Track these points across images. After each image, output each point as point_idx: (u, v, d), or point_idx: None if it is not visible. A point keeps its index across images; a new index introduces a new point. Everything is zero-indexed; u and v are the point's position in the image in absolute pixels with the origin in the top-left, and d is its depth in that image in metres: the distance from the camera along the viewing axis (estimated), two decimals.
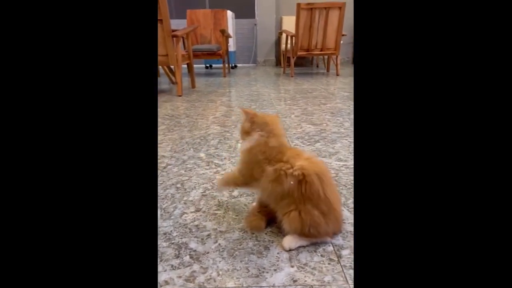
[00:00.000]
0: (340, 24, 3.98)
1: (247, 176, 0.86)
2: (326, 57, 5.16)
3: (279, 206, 0.80)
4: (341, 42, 4.28)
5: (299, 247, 0.80)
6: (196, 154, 1.48)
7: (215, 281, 0.70)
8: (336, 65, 4.39)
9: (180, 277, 0.71)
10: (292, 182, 0.76)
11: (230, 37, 5.02)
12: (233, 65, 5.74)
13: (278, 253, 0.78)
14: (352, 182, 1.16)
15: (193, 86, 3.51)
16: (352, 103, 2.52)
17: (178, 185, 1.16)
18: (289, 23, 5.72)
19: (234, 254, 0.78)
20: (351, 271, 0.72)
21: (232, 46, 5.43)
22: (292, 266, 0.74)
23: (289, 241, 0.79)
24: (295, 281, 0.69)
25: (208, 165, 1.34)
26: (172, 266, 0.75)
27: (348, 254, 0.78)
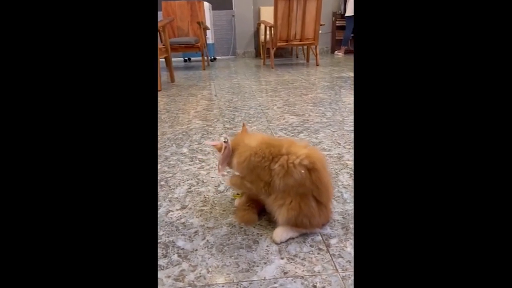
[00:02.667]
0: (318, 13, 3.98)
1: (258, 183, 0.81)
2: (305, 47, 5.17)
3: (280, 197, 0.79)
4: (320, 32, 4.29)
5: (289, 239, 0.80)
6: (179, 150, 1.45)
7: (205, 278, 0.69)
8: (316, 55, 4.41)
9: (169, 277, 0.70)
10: (303, 171, 0.76)
11: (208, 29, 4.92)
12: (212, 57, 5.64)
13: (267, 246, 0.78)
14: (336, 171, 1.17)
15: (172, 80, 3.43)
16: (333, 92, 2.54)
17: (162, 183, 1.14)
18: (267, 14, 5.67)
19: (223, 250, 0.77)
20: (340, 260, 0.73)
21: (210, 39, 5.33)
22: (282, 258, 0.74)
23: (280, 233, 0.79)
24: (285, 273, 0.70)
25: (191, 161, 1.32)
26: (160, 266, 0.73)
27: (336, 243, 0.78)
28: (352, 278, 0.67)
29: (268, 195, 0.81)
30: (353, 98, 2.32)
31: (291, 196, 0.77)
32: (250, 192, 0.87)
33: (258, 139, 0.83)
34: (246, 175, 0.83)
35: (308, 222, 0.77)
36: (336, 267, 0.70)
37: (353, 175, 1.13)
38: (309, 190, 0.76)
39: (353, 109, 2.02)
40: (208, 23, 5.00)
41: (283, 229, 0.80)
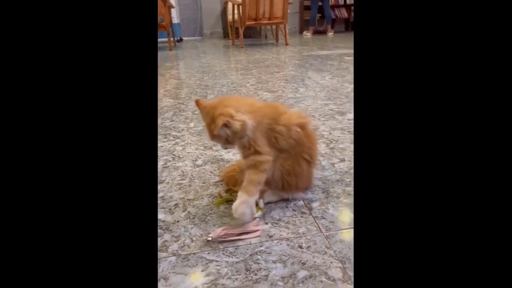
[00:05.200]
0: None
1: (268, 148, 0.74)
2: (274, 27, 5.12)
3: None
4: (288, 11, 4.25)
5: (267, 202, 0.80)
6: None
7: (189, 247, 0.67)
8: (285, 35, 4.38)
9: None
10: (298, 129, 0.75)
11: (173, 7, 4.70)
12: (178, 38, 5.42)
13: None
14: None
15: None
16: (304, 69, 2.55)
17: None
18: None
19: (206, 219, 0.76)
20: (323, 221, 0.74)
21: (175, 18, 5.11)
22: (266, 223, 0.74)
23: (266, 196, 0.79)
24: (270, 236, 0.70)
25: (165, 138, 1.27)
26: None
27: (318, 206, 0.80)
28: (336, 236, 0.69)
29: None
30: (324, 74, 2.35)
31: (285, 155, 0.76)
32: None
33: (254, 101, 0.78)
34: (257, 140, 0.73)
35: (295, 183, 0.78)
36: (319, 228, 0.72)
37: (329, 145, 1.15)
38: (306, 149, 0.77)
39: (326, 84, 2.04)
40: (172, 1, 4.77)
41: (271, 192, 0.80)
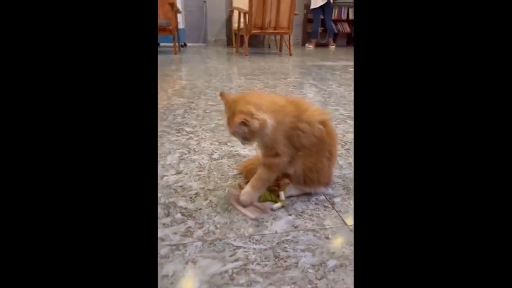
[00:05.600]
0: (293, 2, 4.01)
1: (290, 148, 0.73)
2: (278, 38, 5.19)
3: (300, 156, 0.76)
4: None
5: (289, 196, 0.79)
6: (163, 123, 1.38)
7: (214, 233, 0.66)
8: (289, 45, 4.44)
9: (175, 233, 0.66)
10: (321, 127, 0.74)
11: (179, 12, 4.75)
12: (183, 43, 5.46)
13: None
14: None
15: None
16: (311, 77, 2.58)
17: None
18: (240, 1, 5.59)
19: (229, 209, 0.75)
20: (347, 215, 0.74)
21: (181, 23, 5.15)
22: (290, 215, 0.73)
23: (288, 189, 0.79)
24: (296, 227, 0.69)
25: (179, 132, 1.26)
26: (163, 224, 0.69)
27: (340, 202, 0.79)
28: None
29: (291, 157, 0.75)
30: (331, 83, 2.37)
31: (306, 153, 0.75)
32: (278, 165, 0.74)
33: (277, 99, 0.75)
34: (278, 141, 0.72)
35: (317, 179, 0.77)
36: (344, 221, 0.71)
37: (344, 146, 1.15)
38: (327, 146, 0.76)
39: (334, 92, 2.07)
40: (178, 6, 4.82)
41: (293, 186, 0.79)
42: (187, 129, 1.31)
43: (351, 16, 6.37)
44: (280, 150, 0.72)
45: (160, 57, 3.85)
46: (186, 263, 0.58)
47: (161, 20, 4.19)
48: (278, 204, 0.76)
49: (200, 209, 0.75)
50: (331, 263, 0.58)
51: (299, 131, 0.73)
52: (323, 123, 0.76)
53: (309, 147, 0.75)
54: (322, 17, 5.50)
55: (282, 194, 0.78)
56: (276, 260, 0.59)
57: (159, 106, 1.64)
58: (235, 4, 5.61)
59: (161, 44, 5.57)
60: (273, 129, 0.69)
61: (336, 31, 6.24)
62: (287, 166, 0.76)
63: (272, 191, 0.79)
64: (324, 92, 2.05)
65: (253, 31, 4.06)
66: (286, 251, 0.61)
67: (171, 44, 4.50)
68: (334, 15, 6.11)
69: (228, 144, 1.15)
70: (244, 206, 0.75)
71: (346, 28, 6.45)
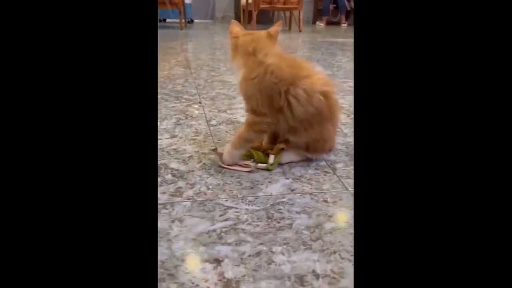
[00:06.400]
0: None
1: (269, 109, 0.68)
2: (287, 14, 5.02)
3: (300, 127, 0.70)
4: None
5: (289, 162, 0.75)
6: (162, 90, 1.33)
7: (205, 194, 0.62)
8: (299, 21, 4.29)
9: (164, 193, 0.62)
10: (322, 98, 0.68)
11: None
12: (189, 19, 5.32)
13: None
14: None
15: None
16: (320, 52, 2.48)
17: None
18: None
19: (223, 171, 0.71)
20: (348, 180, 0.69)
21: None
22: (287, 178, 0.69)
23: (287, 155, 0.74)
24: (292, 190, 0.65)
25: (177, 100, 1.22)
26: None
27: (342, 167, 0.74)
28: None
29: (270, 125, 0.70)
30: (341, 57, 2.28)
31: (307, 123, 0.69)
32: (256, 126, 0.70)
33: (276, 53, 0.70)
34: (251, 96, 0.69)
35: (323, 147, 0.73)
36: (345, 186, 0.67)
37: (349, 116, 1.09)
38: (326, 118, 0.71)
39: (343, 66, 1.98)
40: None
41: (287, 151, 0.74)
42: (186, 96, 1.26)
43: None
44: (252, 106, 0.69)
45: (166, 32, 3.77)
46: (172, 221, 0.54)
47: None
48: (263, 165, 0.71)
49: (193, 171, 0.71)
50: (328, 225, 0.54)
51: (291, 97, 0.67)
52: (325, 94, 0.69)
53: (308, 118, 0.69)
54: None
55: (271, 158, 0.72)
56: (269, 221, 0.55)
57: (160, 75, 1.59)
58: None
59: (167, 20, 5.45)
60: (243, 80, 0.69)
61: (348, 9, 5.99)
62: (270, 128, 0.72)
63: (267, 154, 0.74)
64: (333, 66, 1.96)
65: (262, 6, 3.92)
66: (280, 213, 0.57)
67: (178, 21, 4.39)
68: None
69: (228, 111, 1.10)
70: (229, 165, 0.71)
71: None
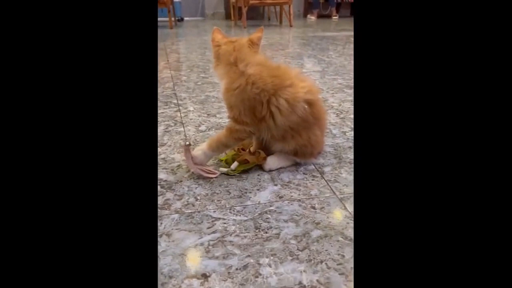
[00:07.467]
0: None
1: (252, 119, 0.68)
2: (278, 9, 4.99)
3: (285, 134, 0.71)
4: None
5: (280, 168, 0.75)
6: None
7: (193, 205, 0.62)
8: (289, 16, 4.26)
9: None
10: (306, 107, 0.68)
11: None
12: (179, 17, 5.27)
13: (258, 175, 0.73)
14: None
15: None
16: (310, 48, 2.47)
17: None
18: None
19: (211, 180, 0.71)
20: (336, 184, 0.69)
21: None
22: (276, 185, 0.69)
23: (271, 161, 0.74)
24: (280, 197, 0.65)
25: (166, 105, 1.21)
26: None
27: (330, 171, 0.75)
28: (352, 198, 0.64)
29: (252, 133, 0.71)
30: (331, 53, 2.27)
31: (293, 131, 0.70)
32: (241, 134, 0.70)
33: (258, 62, 0.69)
34: (233, 106, 0.69)
35: (311, 152, 0.73)
36: (333, 190, 0.67)
37: (339, 115, 1.10)
38: (312, 125, 0.71)
39: (333, 62, 1.97)
40: None
41: (275, 157, 0.74)
42: (175, 101, 1.25)
43: None
44: (234, 115, 0.69)
45: None
46: (160, 236, 0.54)
47: None
48: (224, 169, 0.72)
49: (181, 181, 0.71)
50: (315, 233, 0.54)
51: (273, 107, 0.67)
52: (310, 102, 0.69)
53: (294, 127, 0.69)
54: None
55: (234, 164, 0.71)
56: (257, 231, 0.55)
57: None
58: None
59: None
60: (226, 90, 0.69)
61: (339, 1, 5.97)
62: (251, 137, 0.74)
63: (252, 153, 0.74)
64: (323, 62, 1.96)
65: (252, 2, 3.89)
66: (268, 222, 0.57)
67: (167, 19, 4.34)
68: None
69: (217, 115, 1.10)
70: (196, 163, 0.70)
71: None
